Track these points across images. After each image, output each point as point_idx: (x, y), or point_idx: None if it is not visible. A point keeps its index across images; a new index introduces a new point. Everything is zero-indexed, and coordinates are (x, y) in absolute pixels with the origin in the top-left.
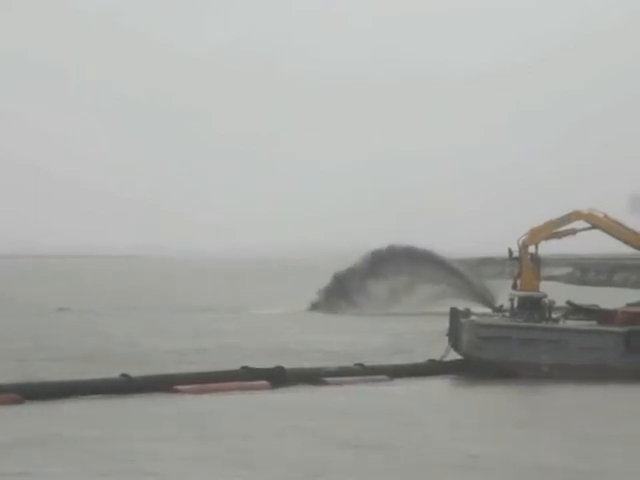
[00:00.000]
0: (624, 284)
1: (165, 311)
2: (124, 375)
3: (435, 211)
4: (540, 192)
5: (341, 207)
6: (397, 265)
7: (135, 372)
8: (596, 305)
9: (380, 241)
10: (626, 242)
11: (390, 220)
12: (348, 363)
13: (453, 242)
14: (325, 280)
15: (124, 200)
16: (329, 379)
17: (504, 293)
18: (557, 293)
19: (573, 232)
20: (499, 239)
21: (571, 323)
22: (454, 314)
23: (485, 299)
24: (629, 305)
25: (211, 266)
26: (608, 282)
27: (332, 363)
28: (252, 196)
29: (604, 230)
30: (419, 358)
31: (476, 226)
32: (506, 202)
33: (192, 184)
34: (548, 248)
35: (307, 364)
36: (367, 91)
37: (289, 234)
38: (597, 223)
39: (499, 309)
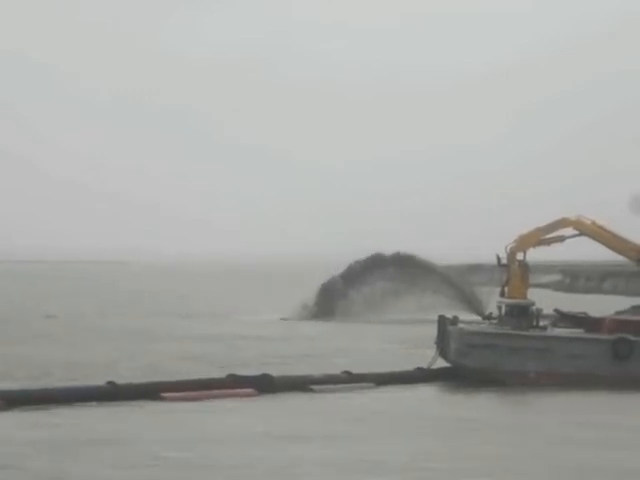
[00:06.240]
0: (613, 291)
1: (159, 317)
2: (110, 382)
3: (435, 211)
4: (540, 192)
5: (342, 208)
6: (386, 272)
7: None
8: (585, 313)
9: (381, 242)
10: (614, 249)
11: (391, 220)
12: (335, 370)
13: (453, 243)
14: (321, 283)
15: (124, 202)
16: (316, 387)
17: (494, 300)
18: (546, 301)
19: (561, 239)
20: (499, 240)
21: (559, 331)
22: (442, 322)
23: (475, 306)
24: (618, 313)
25: (210, 270)
26: (597, 289)
27: (319, 370)
28: (255, 198)
29: (592, 237)
30: (407, 365)
31: (476, 226)
32: (506, 202)
33: (193, 187)
34: (537, 255)
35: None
36: (370, 93)
37: (290, 235)
38: (585, 230)
39: (488, 317)
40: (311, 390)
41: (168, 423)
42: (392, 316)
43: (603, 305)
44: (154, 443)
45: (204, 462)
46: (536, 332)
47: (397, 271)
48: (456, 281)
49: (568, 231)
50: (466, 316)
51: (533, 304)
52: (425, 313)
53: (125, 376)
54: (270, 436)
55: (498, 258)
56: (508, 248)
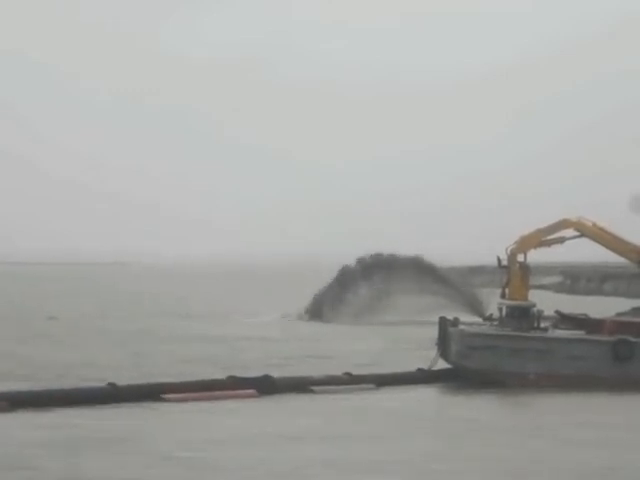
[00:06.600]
0: (614, 293)
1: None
2: (111, 384)
3: (435, 211)
4: (540, 192)
5: (342, 208)
6: (385, 274)
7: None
8: (585, 314)
9: (381, 243)
10: (615, 251)
11: (391, 220)
12: (336, 372)
13: (453, 243)
14: (322, 285)
15: (124, 202)
16: (316, 388)
17: (494, 302)
18: (547, 302)
19: (562, 240)
20: (499, 240)
21: (559, 332)
22: (443, 323)
23: (475, 308)
24: (619, 315)
25: (210, 270)
26: (598, 291)
27: (321, 372)
28: (255, 198)
29: (593, 239)
30: (407, 367)
31: (476, 227)
32: (506, 202)
33: (193, 187)
34: (538, 256)
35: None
36: (370, 93)
37: (290, 235)
38: (586, 231)
39: (489, 318)
40: (312, 391)
41: (170, 424)
42: (393, 317)
43: (604, 307)
44: (158, 444)
45: (207, 463)
46: (537, 333)
47: (397, 273)
48: (457, 282)
49: (569, 232)
50: (467, 317)
51: (534, 305)
52: (426, 314)
53: (126, 377)
54: (271, 437)
55: (499, 259)
56: (509, 249)
